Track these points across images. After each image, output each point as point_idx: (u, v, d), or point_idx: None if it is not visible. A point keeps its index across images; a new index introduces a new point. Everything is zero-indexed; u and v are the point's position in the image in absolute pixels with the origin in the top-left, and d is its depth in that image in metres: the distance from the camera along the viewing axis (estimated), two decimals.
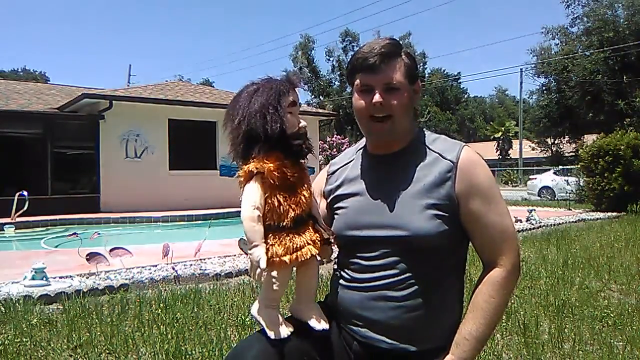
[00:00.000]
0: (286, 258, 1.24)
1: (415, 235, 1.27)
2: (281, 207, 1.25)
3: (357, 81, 1.35)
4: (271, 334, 1.24)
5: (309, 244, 1.26)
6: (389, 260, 1.30)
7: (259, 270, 1.20)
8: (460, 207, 1.30)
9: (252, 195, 1.26)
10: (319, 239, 1.30)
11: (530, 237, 7.03)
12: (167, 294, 3.83)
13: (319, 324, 1.28)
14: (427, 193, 1.29)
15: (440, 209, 1.28)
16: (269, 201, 1.26)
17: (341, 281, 1.39)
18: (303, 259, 1.25)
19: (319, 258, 1.33)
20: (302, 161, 1.34)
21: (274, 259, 1.23)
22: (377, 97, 1.30)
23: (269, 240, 1.25)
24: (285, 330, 1.26)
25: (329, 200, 1.47)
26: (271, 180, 1.26)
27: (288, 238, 1.25)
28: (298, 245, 1.25)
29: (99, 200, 12.55)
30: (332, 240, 1.33)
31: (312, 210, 1.34)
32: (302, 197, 1.28)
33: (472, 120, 61.08)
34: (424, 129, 1.44)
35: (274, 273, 1.27)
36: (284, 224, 1.25)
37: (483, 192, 1.30)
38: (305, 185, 1.32)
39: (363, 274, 1.33)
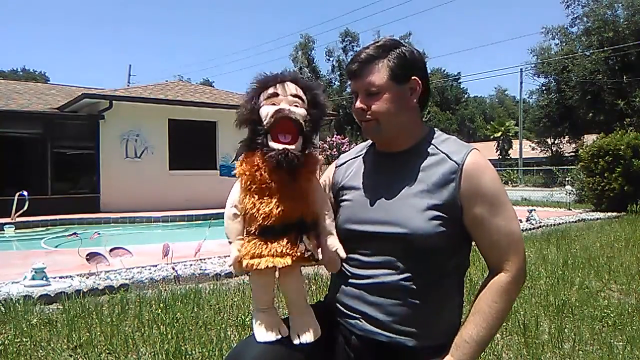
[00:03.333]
0: (245, 261, 1.24)
1: (414, 234, 1.26)
2: (248, 212, 1.25)
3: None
4: (258, 336, 1.24)
5: (272, 255, 1.22)
6: (388, 258, 1.30)
7: (230, 264, 1.25)
8: (463, 210, 1.29)
9: (232, 194, 1.30)
10: (294, 252, 1.23)
11: (530, 237, 7.03)
12: (167, 294, 3.83)
13: (297, 339, 1.25)
14: (429, 193, 1.29)
15: (442, 210, 1.28)
16: (243, 203, 1.26)
17: (340, 276, 1.39)
18: (258, 268, 1.22)
19: (279, 267, 1.24)
20: (305, 170, 1.27)
21: (240, 260, 1.26)
22: (357, 104, 1.36)
23: (244, 240, 1.27)
24: (272, 334, 1.24)
25: (335, 193, 1.48)
26: (243, 184, 1.26)
27: (252, 243, 1.24)
28: (259, 253, 1.23)
29: (99, 200, 12.54)
30: (307, 255, 1.26)
31: (305, 223, 1.27)
32: (275, 208, 1.22)
33: (472, 120, 61.07)
34: (435, 129, 1.44)
35: (251, 275, 1.28)
36: (251, 229, 1.25)
37: (488, 196, 1.29)
38: (288, 195, 1.24)
39: (362, 269, 1.33)
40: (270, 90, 1.27)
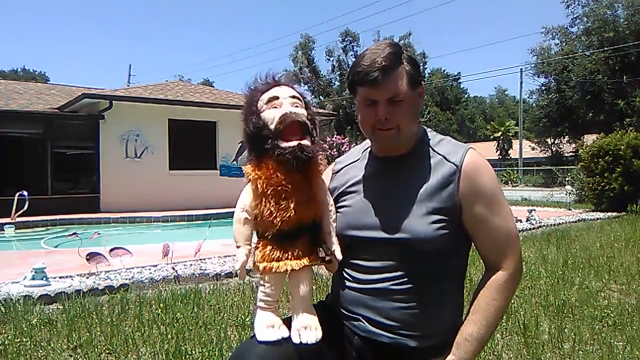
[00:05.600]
0: (261, 265, 1.26)
1: (416, 238, 1.27)
2: (265, 218, 1.25)
3: (360, 94, 1.33)
4: (259, 336, 1.23)
5: (289, 258, 1.24)
6: (389, 263, 1.30)
7: (238, 270, 1.25)
8: (462, 210, 1.29)
9: (243, 198, 1.29)
10: (308, 255, 1.26)
11: (530, 237, 7.03)
12: (167, 294, 3.83)
13: (297, 337, 1.24)
14: (429, 196, 1.29)
15: (442, 212, 1.28)
16: (258, 209, 1.26)
17: (342, 280, 1.39)
18: (277, 271, 1.24)
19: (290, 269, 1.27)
20: (313, 170, 1.28)
21: (256, 263, 1.27)
22: (381, 112, 1.29)
23: (258, 245, 1.28)
24: (275, 333, 1.23)
25: (334, 199, 1.46)
26: (259, 189, 1.26)
27: (269, 247, 1.26)
28: (276, 257, 1.25)
29: (99, 200, 12.54)
30: (327, 259, 1.29)
31: (317, 224, 1.30)
32: (293, 212, 1.23)
33: (472, 120, 61.08)
34: (428, 130, 1.43)
35: (261, 276, 1.29)
36: (267, 234, 1.26)
37: (487, 196, 1.30)
38: (304, 199, 1.26)
39: (363, 274, 1.34)
40: (270, 94, 1.27)
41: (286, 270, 1.24)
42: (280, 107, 1.26)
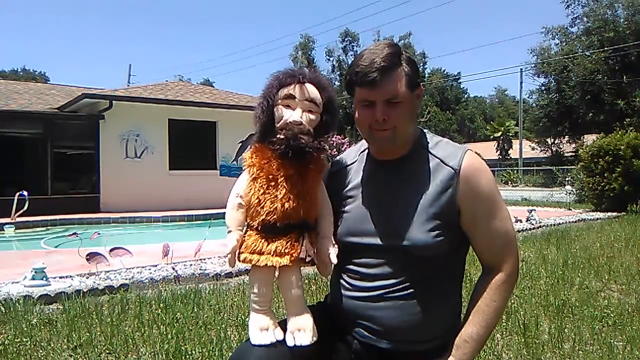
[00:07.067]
0: (243, 255, 1.24)
1: (415, 245, 1.26)
2: (253, 206, 1.25)
3: (358, 95, 1.31)
4: (253, 340, 1.22)
5: (271, 254, 1.22)
6: (388, 269, 1.30)
7: (228, 255, 1.24)
8: (461, 213, 1.29)
9: (239, 183, 1.30)
10: (293, 253, 1.23)
11: (530, 237, 7.03)
12: (167, 294, 3.83)
13: (291, 340, 1.22)
14: (428, 202, 1.28)
15: (441, 217, 1.27)
16: (248, 196, 1.26)
17: (340, 287, 1.38)
18: (256, 265, 1.23)
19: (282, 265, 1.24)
20: (313, 167, 1.28)
21: (239, 252, 1.25)
22: (379, 114, 1.27)
23: (245, 234, 1.27)
24: (269, 337, 1.22)
25: (331, 201, 1.45)
26: (252, 174, 1.26)
27: (253, 238, 1.24)
28: (258, 249, 1.23)
29: (99, 200, 12.54)
30: (308, 260, 1.25)
31: (309, 225, 1.28)
32: (280, 204, 1.21)
33: (472, 120, 61.08)
34: (426, 131, 1.42)
35: (250, 272, 1.28)
36: (253, 223, 1.26)
37: (485, 199, 1.30)
38: (294, 194, 1.23)
39: (362, 281, 1.33)
40: (288, 91, 1.27)
41: (266, 265, 1.22)
42: (293, 109, 1.26)
